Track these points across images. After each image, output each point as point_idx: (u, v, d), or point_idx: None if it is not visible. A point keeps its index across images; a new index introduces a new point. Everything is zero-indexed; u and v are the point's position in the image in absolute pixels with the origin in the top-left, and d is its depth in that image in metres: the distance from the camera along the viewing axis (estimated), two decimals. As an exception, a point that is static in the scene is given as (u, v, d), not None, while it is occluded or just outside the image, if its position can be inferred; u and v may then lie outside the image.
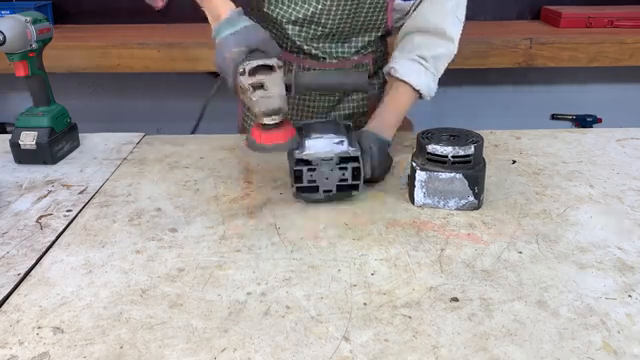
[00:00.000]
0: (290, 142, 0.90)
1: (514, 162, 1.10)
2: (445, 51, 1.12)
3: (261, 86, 0.86)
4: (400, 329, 0.64)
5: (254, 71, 0.86)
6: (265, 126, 0.88)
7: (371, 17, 1.14)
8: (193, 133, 1.20)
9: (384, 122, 1.07)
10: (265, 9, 1.13)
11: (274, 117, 0.87)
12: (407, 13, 1.15)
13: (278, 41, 1.15)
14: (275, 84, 0.86)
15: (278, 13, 1.12)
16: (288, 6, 1.11)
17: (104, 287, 0.72)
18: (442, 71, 1.14)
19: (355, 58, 1.20)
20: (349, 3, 1.09)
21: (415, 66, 1.11)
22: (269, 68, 0.86)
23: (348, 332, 0.64)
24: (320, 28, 1.13)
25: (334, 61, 1.18)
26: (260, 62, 0.86)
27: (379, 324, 0.65)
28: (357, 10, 1.11)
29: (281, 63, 0.87)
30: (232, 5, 0.92)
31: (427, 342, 0.62)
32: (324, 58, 1.17)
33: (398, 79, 1.10)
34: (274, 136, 0.88)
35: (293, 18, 1.12)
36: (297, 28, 1.13)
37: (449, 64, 1.15)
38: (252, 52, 0.88)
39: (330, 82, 0.98)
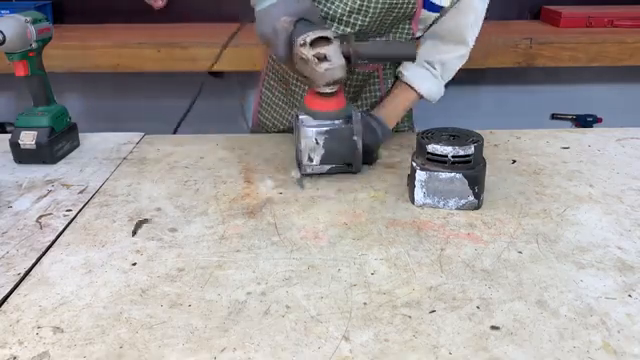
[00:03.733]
0: (347, 107, 0.96)
1: (514, 162, 1.10)
2: (455, 55, 1.18)
3: (324, 57, 0.90)
4: (400, 329, 0.64)
5: (314, 42, 0.90)
6: (324, 94, 0.94)
7: (398, 22, 1.12)
8: (175, 133, 1.25)
9: (386, 112, 1.16)
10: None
11: (334, 86, 0.93)
12: (430, 26, 1.17)
13: None
14: (336, 55, 0.91)
15: (321, 10, 1.10)
16: (331, 2, 1.09)
17: (104, 287, 0.72)
18: (452, 74, 1.21)
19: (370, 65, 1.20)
20: (381, 2, 1.06)
21: (422, 72, 1.18)
22: (326, 39, 0.91)
23: (348, 332, 0.64)
24: (349, 29, 1.10)
25: None
26: (319, 34, 0.91)
27: (379, 324, 0.65)
28: (387, 11, 1.08)
29: (335, 34, 0.93)
30: None
31: (427, 342, 0.62)
32: None
33: (405, 82, 1.19)
34: (332, 103, 0.95)
35: (332, 12, 1.09)
36: (334, 25, 1.10)
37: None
38: (299, 21, 0.93)
39: (384, 52, 1.01)
